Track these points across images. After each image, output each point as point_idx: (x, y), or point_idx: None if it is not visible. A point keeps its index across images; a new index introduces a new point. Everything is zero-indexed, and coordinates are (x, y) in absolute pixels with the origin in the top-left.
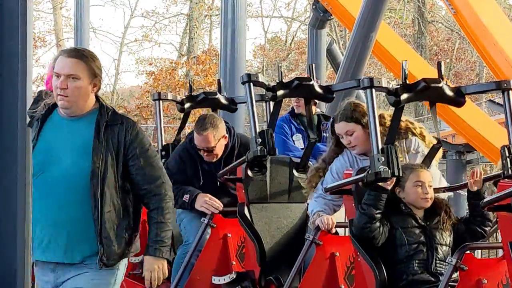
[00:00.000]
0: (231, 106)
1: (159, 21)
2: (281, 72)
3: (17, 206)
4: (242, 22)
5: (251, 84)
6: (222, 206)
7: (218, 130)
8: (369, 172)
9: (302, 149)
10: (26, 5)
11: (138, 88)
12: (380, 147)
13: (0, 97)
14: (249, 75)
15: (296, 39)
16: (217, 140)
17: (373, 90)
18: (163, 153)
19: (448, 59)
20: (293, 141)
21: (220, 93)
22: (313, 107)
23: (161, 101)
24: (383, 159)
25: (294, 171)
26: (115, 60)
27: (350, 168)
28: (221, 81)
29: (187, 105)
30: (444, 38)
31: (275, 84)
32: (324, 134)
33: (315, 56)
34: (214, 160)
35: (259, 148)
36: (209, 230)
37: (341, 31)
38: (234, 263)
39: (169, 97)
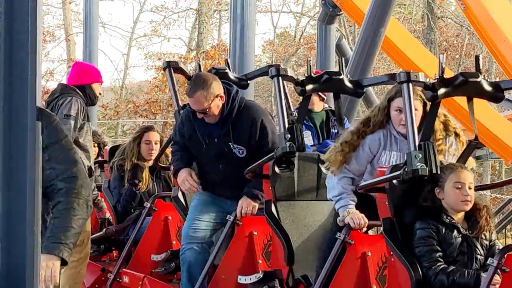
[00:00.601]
0: (242, 82)
1: (168, 16)
2: (310, 66)
3: (26, 203)
4: (251, 17)
5: (280, 78)
6: (199, 189)
7: (209, 90)
8: (406, 169)
9: (311, 146)
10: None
11: (147, 83)
12: (417, 143)
13: (10, 91)
14: (277, 69)
15: (305, 35)
16: (209, 101)
17: (410, 84)
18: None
19: (457, 55)
20: None
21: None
22: (321, 103)
23: (171, 69)
24: (420, 156)
25: (322, 168)
26: (124, 55)
27: (381, 147)
28: (229, 60)
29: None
30: (454, 33)
31: (303, 78)
32: (333, 130)
33: (324, 51)
34: (213, 121)
35: (288, 144)
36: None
37: (350, 26)
38: (260, 261)
39: (180, 65)
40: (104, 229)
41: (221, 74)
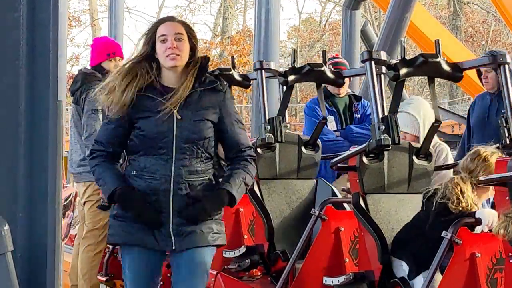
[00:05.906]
0: (338, 80)
1: (193, 1)
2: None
3: (48, 179)
4: (277, 3)
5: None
6: None
7: None
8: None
9: (335, 131)
10: None
11: None
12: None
13: (32, 70)
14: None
15: (330, 20)
16: None
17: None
18: (269, 127)
19: (483, 41)
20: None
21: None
22: (344, 87)
23: (263, 72)
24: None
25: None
26: None
27: None
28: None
29: (290, 78)
30: (480, 20)
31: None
32: (356, 115)
33: (349, 37)
34: None
35: (383, 137)
36: None
37: (376, 12)
38: (347, 260)
39: (272, 67)
40: None
41: (316, 72)
